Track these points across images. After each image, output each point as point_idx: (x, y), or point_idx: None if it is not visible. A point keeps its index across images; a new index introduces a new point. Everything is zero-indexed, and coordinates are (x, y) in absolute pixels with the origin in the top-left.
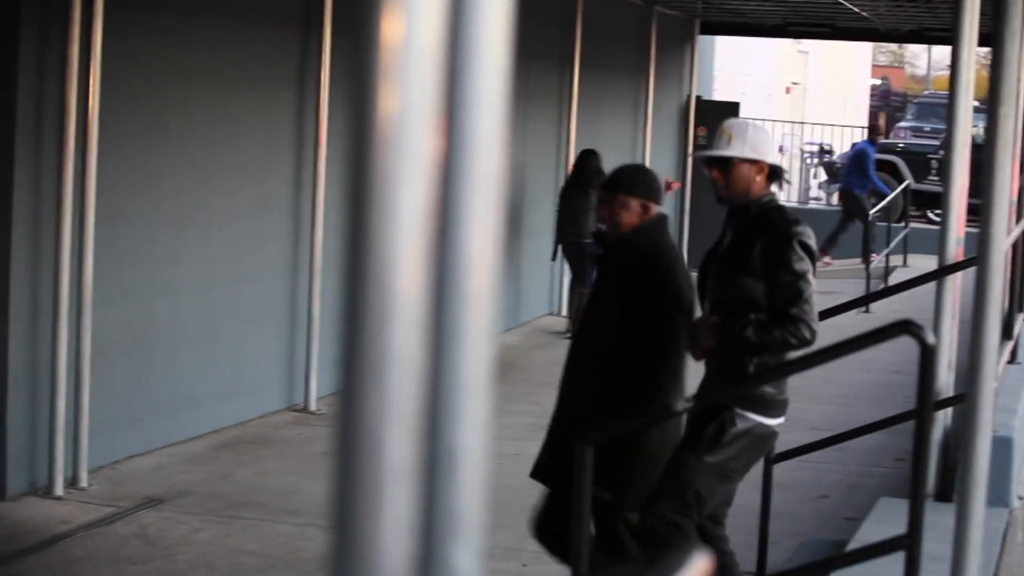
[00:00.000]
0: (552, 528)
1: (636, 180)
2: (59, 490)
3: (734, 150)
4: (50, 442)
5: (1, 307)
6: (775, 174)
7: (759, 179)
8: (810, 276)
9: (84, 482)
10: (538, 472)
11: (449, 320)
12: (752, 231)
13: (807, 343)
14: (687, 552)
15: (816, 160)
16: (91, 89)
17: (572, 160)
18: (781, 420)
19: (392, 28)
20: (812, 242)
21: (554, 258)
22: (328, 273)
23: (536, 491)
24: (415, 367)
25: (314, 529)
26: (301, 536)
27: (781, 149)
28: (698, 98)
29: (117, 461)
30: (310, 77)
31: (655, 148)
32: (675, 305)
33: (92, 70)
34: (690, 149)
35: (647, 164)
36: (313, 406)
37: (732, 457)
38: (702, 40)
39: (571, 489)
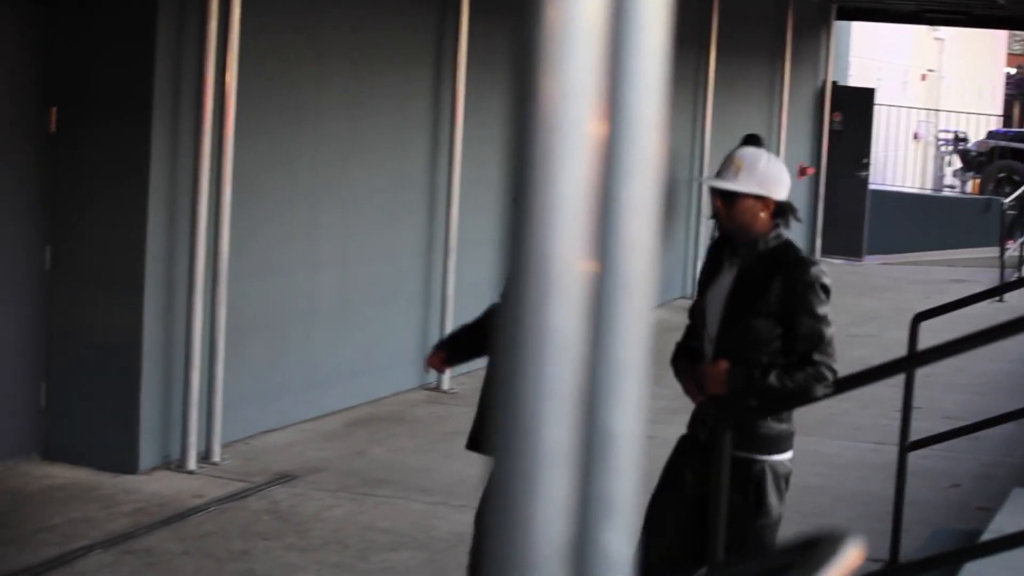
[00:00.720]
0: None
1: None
2: (192, 464)
3: (740, 183)
4: (184, 416)
5: (137, 281)
6: (782, 211)
7: (763, 215)
8: (830, 317)
9: (217, 456)
10: (472, 443)
11: (608, 303)
12: (765, 271)
13: (829, 387)
14: (839, 540)
15: (951, 148)
16: (228, 64)
17: (708, 145)
18: (792, 453)
19: (555, 11)
20: (829, 281)
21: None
22: (463, 252)
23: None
24: (574, 350)
25: (446, 508)
26: (433, 515)
27: (916, 136)
28: (834, 84)
29: (250, 436)
30: (446, 55)
31: (791, 133)
32: None
33: (230, 45)
34: (824, 136)
35: (783, 150)
36: (446, 385)
37: (778, 505)
38: (838, 26)
39: None
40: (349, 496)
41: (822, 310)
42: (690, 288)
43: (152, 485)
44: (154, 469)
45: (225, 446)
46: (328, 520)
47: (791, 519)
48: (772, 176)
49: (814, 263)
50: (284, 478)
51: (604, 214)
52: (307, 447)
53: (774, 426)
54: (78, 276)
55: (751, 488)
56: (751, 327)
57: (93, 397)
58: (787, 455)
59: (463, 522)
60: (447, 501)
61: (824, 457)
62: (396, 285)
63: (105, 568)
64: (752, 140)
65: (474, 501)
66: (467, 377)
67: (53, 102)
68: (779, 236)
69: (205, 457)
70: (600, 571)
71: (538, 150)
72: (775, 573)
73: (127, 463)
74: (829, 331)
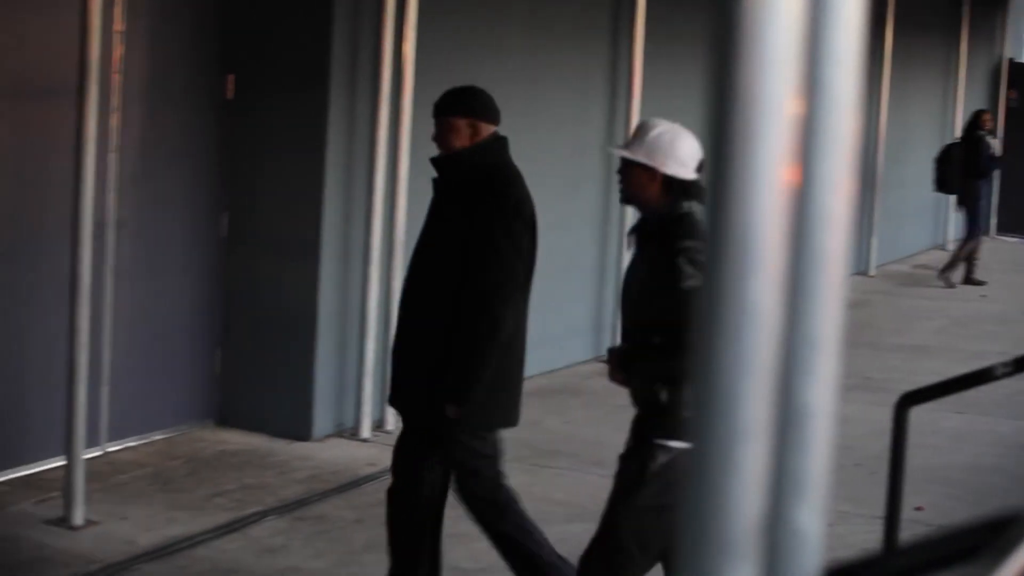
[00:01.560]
0: (403, 454)
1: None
2: (365, 432)
3: (629, 150)
4: (358, 384)
5: (313, 249)
6: (679, 187)
7: (652, 187)
8: (692, 285)
9: (391, 425)
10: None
11: (804, 278)
12: (652, 247)
13: (675, 362)
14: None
15: None
16: (406, 34)
17: (884, 123)
18: None
19: None
20: (704, 257)
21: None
22: None
23: (855, 452)
24: (771, 324)
25: None
26: (607, 487)
27: None
28: (1010, 61)
29: None
30: (623, 26)
31: (967, 109)
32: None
33: (408, 14)
34: (1001, 113)
35: (958, 127)
36: None
37: (662, 492)
38: (1015, 2)
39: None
40: (523, 467)
41: (690, 284)
42: (864, 264)
43: (326, 452)
44: (328, 437)
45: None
46: None
47: (963, 499)
48: (661, 147)
49: (688, 236)
50: None
51: (802, 188)
52: None
53: (681, 415)
54: (255, 243)
55: (635, 463)
56: (639, 305)
57: (268, 364)
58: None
59: None
60: None
61: (1000, 437)
62: (571, 257)
63: (279, 534)
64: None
65: None
66: None
67: (231, 69)
68: (679, 213)
69: (379, 425)
70: (792, 548)
71: (737, 127)
72: (960, 555)
73: (301, 430)
74: (682, 301)
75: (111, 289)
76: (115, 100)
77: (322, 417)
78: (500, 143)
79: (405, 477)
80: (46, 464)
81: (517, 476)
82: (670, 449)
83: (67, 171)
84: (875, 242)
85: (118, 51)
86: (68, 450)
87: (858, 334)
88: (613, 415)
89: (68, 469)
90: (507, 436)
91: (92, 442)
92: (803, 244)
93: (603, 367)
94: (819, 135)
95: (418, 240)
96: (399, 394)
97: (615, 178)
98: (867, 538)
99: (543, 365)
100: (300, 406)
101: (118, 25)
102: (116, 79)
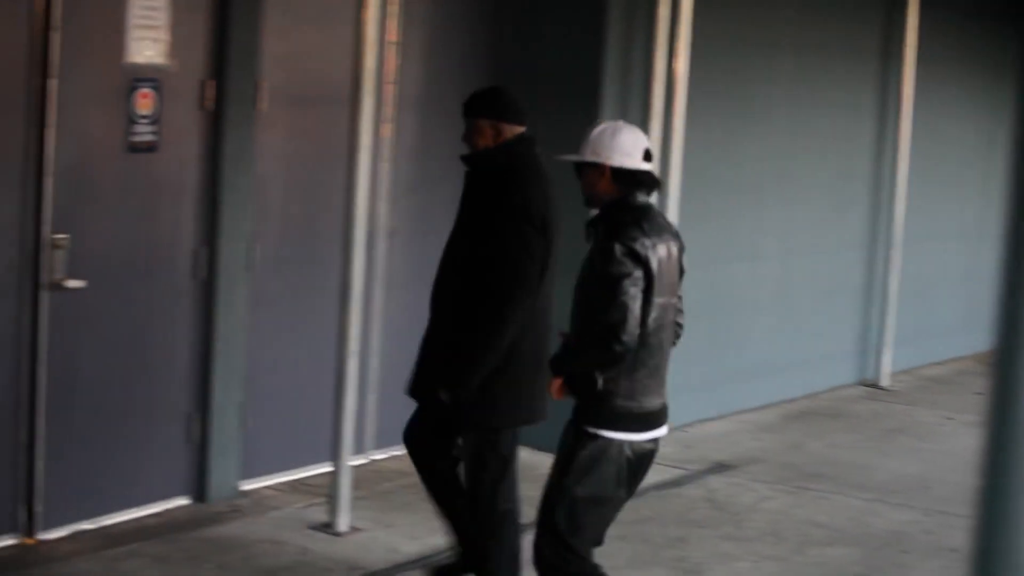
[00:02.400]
0: (415, 439)
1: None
2: None
3: (580, 153)
4: None
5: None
6: (625, 177)
7: (603, 182)
8: (625, 283)
9: None
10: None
11: None
12: (598, 235)
13: (615, 357)
14: None
15: None
16: (678, 51)
17: None
18: (655, 433)
19: None
20: (639, 246)
21: None
22: (906, 247)
23: None
24: None
25: (883, 505)
26: (869, 511)
27: None
28: None
29: (688, 424)
30: (893, 49)
31: None
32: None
33: (680, 32)
34: None
35: None
36: (884, 382)
37: (592, 482)
38: None
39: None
40: (785, 489)
41: (614, 271)
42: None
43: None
44: None
45: None
46: (764, 511)
47: None
48: (603, 142)
49: (625, 224)
50: (721, 467)
51: None
52: (743, 437)
53: (615, 404)
54: None
55: (566, 450)
56: (583, 294)
57: None
58: (622, 434)
59: (900, 520)
60: (884, 499)
61: None
62: (837, 279)
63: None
64: None
65: (912, 500)
66: (905, 375)
67: (502, 83)
68: (629, 203)
69: None
70: None
71: None
72: None
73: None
74: (622, 297)
75: (381, 297)
76: (388, 110)
77: None
78: (524, 144)
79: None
80: (314, 469)
81: (779, 498)
82: (600, 438)
83: (341, 180)
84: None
85: (392, 62)
86: (335, 456)
87: None
88: (876, 439)
89: (334, 475)
90: (769, 458)
91: (358, 449)
92: None
93: (868, 391)
94: None
95: (451, 233)
96: (412, 379)
97: (872, 202)
98: None
99: (806, 388)
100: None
101: (392, 36)
102: (390, 89)
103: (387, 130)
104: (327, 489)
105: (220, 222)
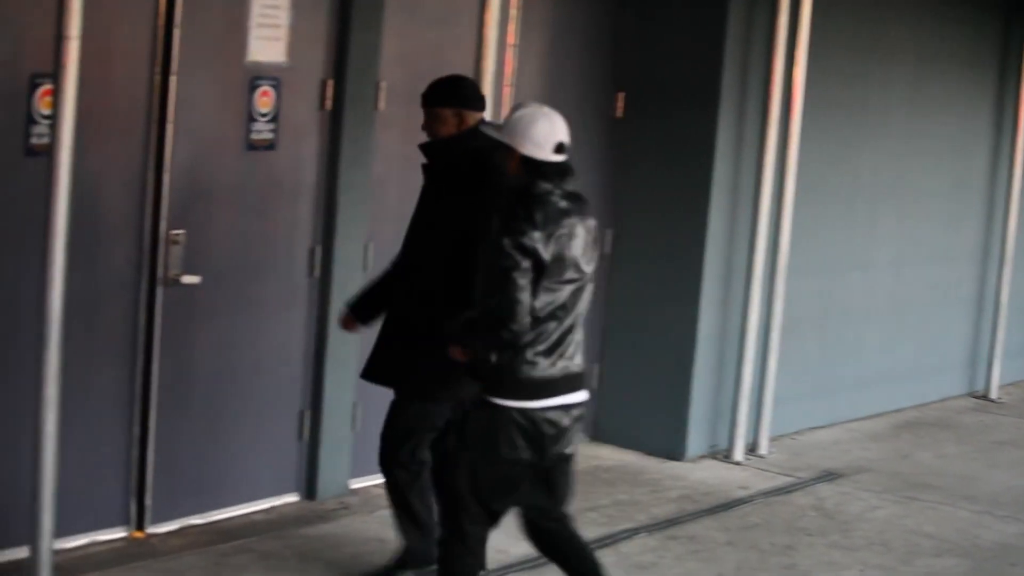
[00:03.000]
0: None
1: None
2: (739, 455)
3: (497, 129)
4: (733, 407)
5: (695, 269)
6: (536, 167)
7: (512, 163)
8: (514, 275)
9: (764, 449)
10: (366, 373)
11: None
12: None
13: (505, 344)
14: None
15: None
16: (796, 59)
17: None
18: (551, 401)
19: None
20: (527, 239)
21: None
22: (1019, 260)
23: None
24: None
25: (991, 518)
26: (978, 524)
27: None
28: None
29: (797, 432)
30: (1012, 63)
31: None
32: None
33: (799, 40)
34: None
35: None
36: (994, 394)
37: (486, 448)
38: None
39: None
40: (893, 498)
41: (504, 264)
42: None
43: (698, 473)
44: (701, 457)
45: (772, 439)
46: (872, 521)
47: None
48: (517, 129)
49: (511, 223)
50: (829, 475)
51: None
52: (852, 446)
53: (507, 375)
54: (637, 261)
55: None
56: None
57: (645, 382)
58: (514, 402)
59: (1009, 532)
60: (992, 511)
61: None
62: (949, 290)
63: (649, 551)
64: None
65: (1020, 512)
66: (1015, 388)
67: (621, 87)
68: (524, 191)
69: (752, 449)
70: None
71: None
72: None
73: (675, 450)
74: (511, 290)
75: None
76: (504, 113)
77: (696, 437)
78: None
79: None
80: None
81: (887, 507)
82: (493, 406)
83: None
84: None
85: (511, 64)
86: None
87: None
88: (985, 451)
89: None
90: (878, 468)
91: None
92: None
93: (977, 402)
94: None
95: (412, 222)
96: (377, 365)
97: (986, 214)
98: None
99: (915, 398)
100: (675, 425)
101: (511, 39)
102: (507, 92)
103: None
104: None
105: (336, 221)
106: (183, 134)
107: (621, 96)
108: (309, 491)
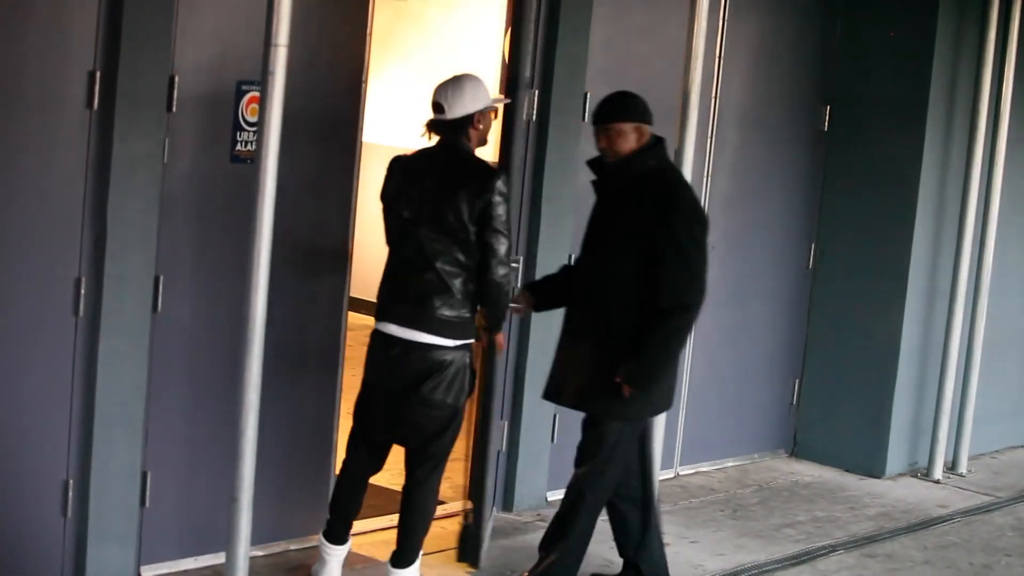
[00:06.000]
0: None
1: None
2: (938, 473)
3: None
4: (934, 424)
5: (899, 285)
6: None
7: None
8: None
9: (963, 468)
10: (548, 393)
11: None
12: None
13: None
14: None
15: None
16: (1006, 74)
17: None
18: (392, 327)
19: None
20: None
21: None
22: None
23: None
24: None
25: None
26: None
27: None
28: None
29: (998, 451)
30: None
31: None
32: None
33: (1008, 55)
34: None
35: None
36: None
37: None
38: None
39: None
40: None
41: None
42: None
43: (897, 491)
44: (900, 475)
45: (972, 458)
46: None
47: None
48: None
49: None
50: None
51: None
52: None
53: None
54: (840, 276)
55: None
56: None
57: (844, 397)
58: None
59: None
60: None
61: None
62: None
63: (845, 569)
64: None
65: None
66: None
67: (828, 101)
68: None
69: (951, 467)
70: None
71: None
72: None
73: (874, 466)
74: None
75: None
76: (711, 125)
77: (896, 454)
78: (661, 144)
79: None
80: None
81: None
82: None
83: None
84: None
85: (717, 77)
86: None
87: None
88: None
89: None
90: None
91: (666, 464)
92: None
93: None
94: None
95: (586, 239)
96: (558, 386)
97: None
98: None
99: None
100: (874, 442)
101: (718, 50)
102: (714, 104)
103: (709, 145)
104: None
105: (540, 231)
106: None
107: (827, 110)
108: (507, 503)
